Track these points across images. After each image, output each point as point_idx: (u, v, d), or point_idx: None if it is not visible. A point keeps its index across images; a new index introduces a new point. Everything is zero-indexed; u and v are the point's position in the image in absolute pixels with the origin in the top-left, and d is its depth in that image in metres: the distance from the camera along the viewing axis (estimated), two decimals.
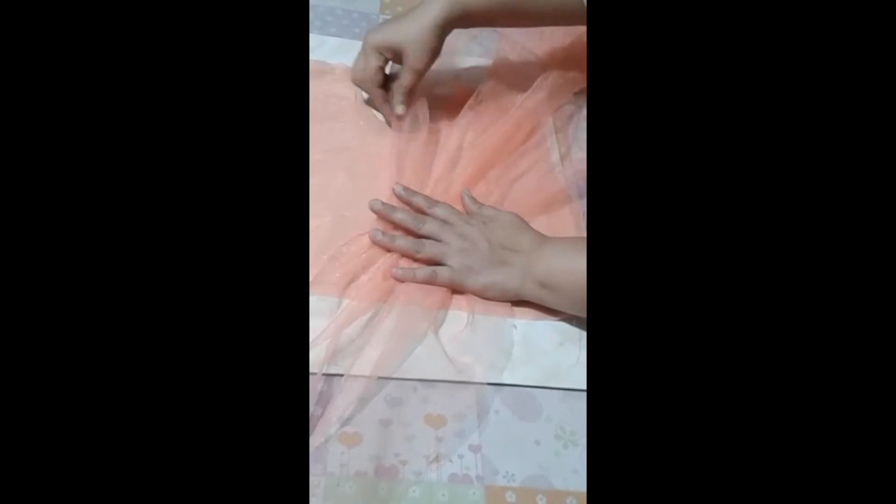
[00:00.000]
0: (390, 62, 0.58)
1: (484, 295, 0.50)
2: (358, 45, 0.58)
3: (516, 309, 0.51)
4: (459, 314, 0.50)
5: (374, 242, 0.51)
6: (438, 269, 0.50)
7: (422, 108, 0.59)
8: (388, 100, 0.58)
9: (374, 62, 0.56)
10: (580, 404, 0.47)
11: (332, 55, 0.65)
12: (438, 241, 0.50)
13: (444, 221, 0.51)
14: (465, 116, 0.62)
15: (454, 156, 0.59)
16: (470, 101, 0.63)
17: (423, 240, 0.51)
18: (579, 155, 0.62)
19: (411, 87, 0.56)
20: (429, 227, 0.51)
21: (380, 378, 0.46)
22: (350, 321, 0.48)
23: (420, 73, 0.55)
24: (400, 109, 0.57)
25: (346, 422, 0.44)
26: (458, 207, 0.55)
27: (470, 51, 0.69)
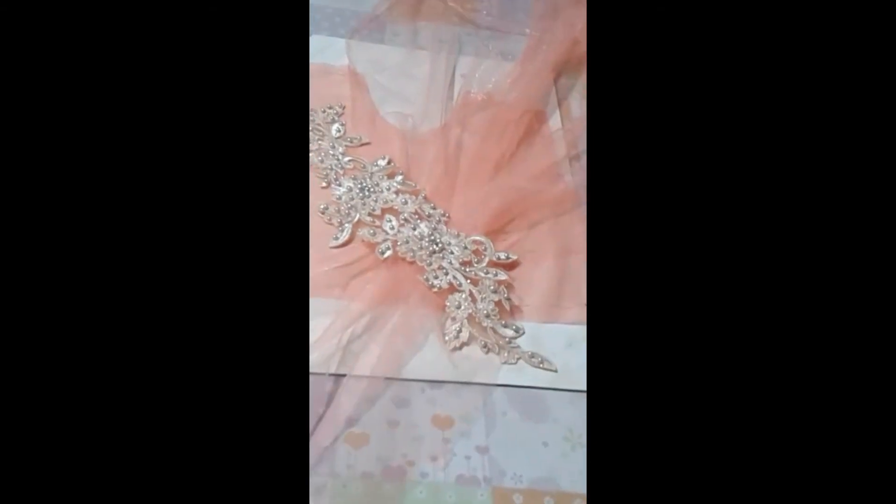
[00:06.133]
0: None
1: None
2: (366, 46, 0.59)
3: (524, 310, 0.53)
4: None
5: None
6: None
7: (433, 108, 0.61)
8: None
9: None
10: None
11: (338, 56, 0.67)
12: None
13: None
14: (472, 117, 0.64)
15: (454, 156, 0.60)
16: (480, 102, 0.65)
17: None
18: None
19: None
20: None
21: (385, 378, 0.47)
22: (354, 321, 0.49)
23: None
24: None
25: (353, 422, 0.45)
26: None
27: (488, 52, 0.71)
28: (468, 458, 0.45)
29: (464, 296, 0.51)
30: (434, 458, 0.45)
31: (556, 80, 0.70)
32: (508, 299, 0.52)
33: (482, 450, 0.46)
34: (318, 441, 0.44)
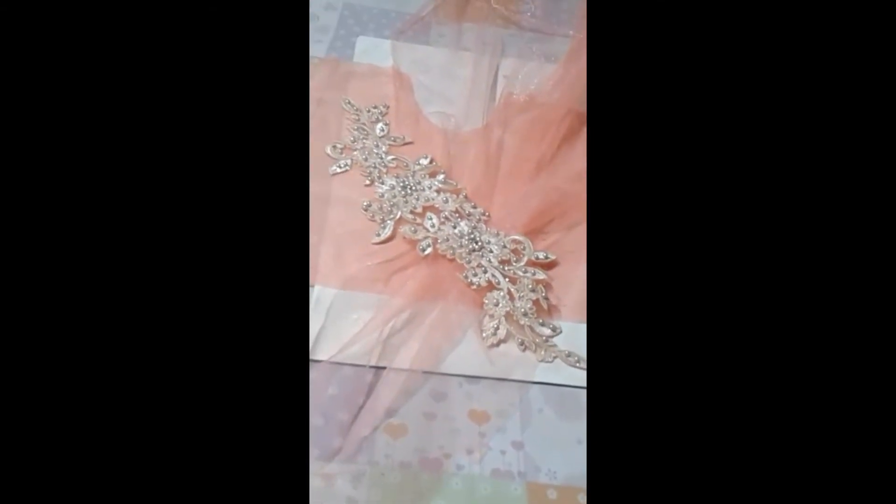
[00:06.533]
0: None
1: None
2: (411, 47, 0.60)
3: (562, 310, 0.53)
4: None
5: None
6: None
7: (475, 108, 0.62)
8: None
9: None
10: None
11: (384, 57, 0.69)
12: None
13: None
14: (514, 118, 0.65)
15: (495, 156, 0.62)
16: (522, 103, 0.66)
17: None
18: None
19: None
20: None
21: (423, 372, 0.49)
22: (394, 316, 0.50)
23: None
24: None
25: (392, 413, 0.47)
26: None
27: (531, 53, 0.72)
28: (503, 452, 0.46)
29: (502, 294, 0.52)
30: (470, 452, 0.46)
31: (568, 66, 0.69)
32: (546, 298, 0.53)
33: (517, 445, 0.47)
34: (358, 430, 0.45)
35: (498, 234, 0.55)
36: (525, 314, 0.52)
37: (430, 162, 0.60)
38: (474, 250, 0.54)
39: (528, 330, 0.51)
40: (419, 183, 0.59)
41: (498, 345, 0.51)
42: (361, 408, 0.46)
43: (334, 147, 0.62)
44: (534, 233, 0.56)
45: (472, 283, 0.52)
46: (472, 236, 0.55)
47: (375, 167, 0.61)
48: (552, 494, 0.45)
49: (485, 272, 0.53)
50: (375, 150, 0.62)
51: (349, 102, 0.65)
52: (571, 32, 0.74)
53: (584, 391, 0.50)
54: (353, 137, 0.63)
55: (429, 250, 0.54)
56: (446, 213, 0.56)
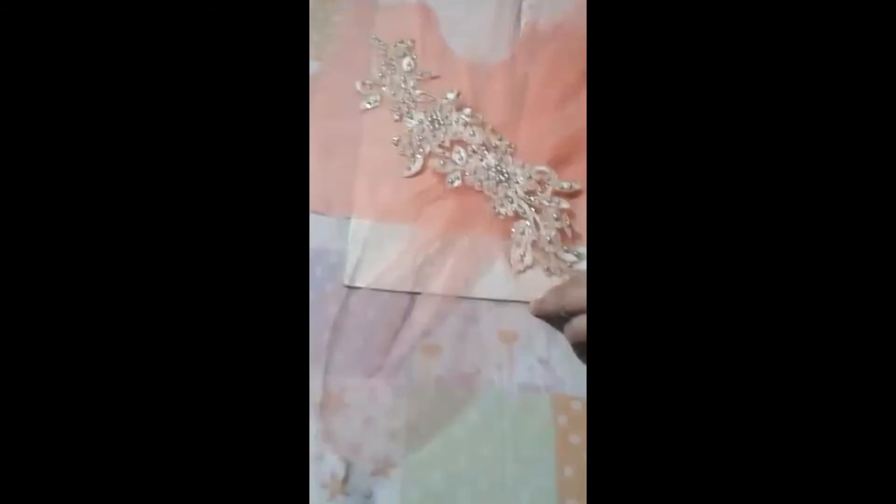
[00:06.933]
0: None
1: None
2: None
3: (585, 237, 0.56)
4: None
5: None
6: None
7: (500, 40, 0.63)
8: None
9: None
10: None
11: None
12: None
13: None
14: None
15: (520, 88, 0.63)
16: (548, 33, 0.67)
17: None
18: None
19: None
20: None
21: (455, 297, 0.52)
22: (427, 245, 0.54)
23: None
24: None
25: (427, 335, 0.51)
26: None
27: None
28: (530, 368, 0.51)
29: (528, 223, 0.55)
30: (500, 368, 0.50)
31: None
32: (570, 226, 0.56)
33: (543, 361, 0.51)
34: (397, 351, 0.50)
35: (524, 166, 0.57)
36: (550, 242, 0.55)
37: (457, 96, 0.62)
38: (501, 182, 0.57)
39: (552, 257, 0.55)
40: (447, 117, 0.61)
41: (524, 271, 0.54)
42: (399, 330, 0.51)
43: (364, 83, 0.64)
44: (558, 162, 0.58)
45: (499, 214, 0.55)
46: (499, 168, 0.57)
47: (404, 102, 0.63)
48: (577, 405, 0.49)
49: (511, 202, 0.56)
50: (403, 86, 0.64)
51: (376, 38, 0.66)
52: None
53: None
54: (381, 73, 0.64)
55: (457, 182, 0.57)
56: (473, 147, 0.59)
